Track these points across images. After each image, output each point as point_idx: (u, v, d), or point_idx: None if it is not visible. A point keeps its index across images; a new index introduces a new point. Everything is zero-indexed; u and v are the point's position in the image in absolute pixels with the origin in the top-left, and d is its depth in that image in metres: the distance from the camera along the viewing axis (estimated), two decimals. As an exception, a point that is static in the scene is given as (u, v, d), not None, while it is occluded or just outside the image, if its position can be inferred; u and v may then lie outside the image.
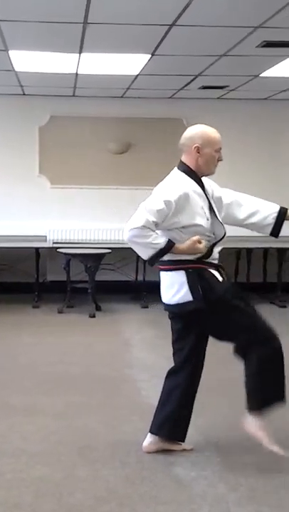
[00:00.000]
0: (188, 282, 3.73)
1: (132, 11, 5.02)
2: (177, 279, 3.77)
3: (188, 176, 3.85)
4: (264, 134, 9.43)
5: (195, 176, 3.86)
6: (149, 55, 6.50)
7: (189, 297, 3.74)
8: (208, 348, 4.00)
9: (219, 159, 3.90)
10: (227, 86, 8.21)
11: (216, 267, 3.85)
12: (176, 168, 3.92)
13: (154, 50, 6.28)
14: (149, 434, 4.03)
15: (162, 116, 9.34)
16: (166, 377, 4.01)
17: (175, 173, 3.90)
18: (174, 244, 3.73)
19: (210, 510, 3.33)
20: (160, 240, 3.71)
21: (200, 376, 3.99)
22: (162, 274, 3.88)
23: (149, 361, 6.04)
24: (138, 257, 9.12)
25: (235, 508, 3.35)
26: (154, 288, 8.95)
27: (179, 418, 3.98)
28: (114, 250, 8.45)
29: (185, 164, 3.88)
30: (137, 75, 7.53)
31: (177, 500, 3.44)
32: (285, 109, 9.37)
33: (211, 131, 3.88)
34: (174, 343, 3.99)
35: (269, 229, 4.02)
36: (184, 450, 4.01)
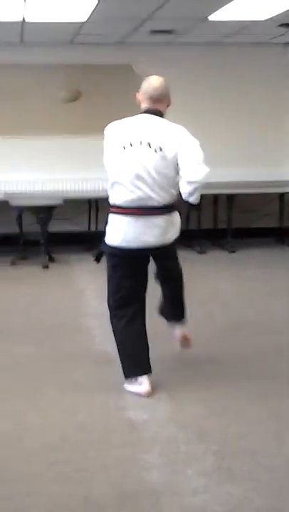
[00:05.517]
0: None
1: None
2: (177, 219, 4.17)
3: None
4: (213, 80, 9.35)
5: None
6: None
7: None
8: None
9: None
10: (176, 30, 8.09)
11: None
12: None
13: (100, -7, 6.14)
14: (146, 376, 4.06)
15: (112, 63, 9.17)
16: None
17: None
18: None
19: (160, 451, 3.39)
20: None
21: None
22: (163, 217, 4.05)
23: (103, 309, 5.99)
24: (90, 207, 9.16)
25: (185, 446, 3.42)
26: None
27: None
28: (67, 201, 8.37)
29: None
30: (85, 21, 7.35)
31: (129, 443, 3.49)
32: (233, 53, 9.27)
33: None
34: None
35: None
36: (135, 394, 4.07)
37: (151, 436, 3.56)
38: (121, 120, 4.11)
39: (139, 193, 3.95)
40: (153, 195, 3.95)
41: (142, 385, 4.05)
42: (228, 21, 7.43)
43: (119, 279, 4.10)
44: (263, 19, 7.33)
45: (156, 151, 3.93)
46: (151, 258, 4.19)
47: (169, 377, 4.35)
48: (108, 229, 4.11)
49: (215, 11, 6.91)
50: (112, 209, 4.08)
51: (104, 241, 4.16)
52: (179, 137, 3.98)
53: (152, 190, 3.95)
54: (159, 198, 3.97)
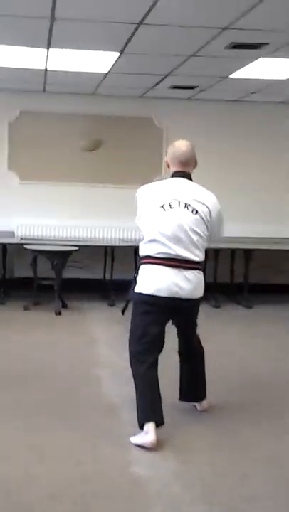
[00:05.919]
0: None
1: (99, 7, 5.01)
2: (202, 277, 4.31)
3: None
4: (234, 136, 9.47)
5: None
6: (118, 53, 6.48)
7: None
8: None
9: None
10: (197, 86, 8.23)
11: None
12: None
13: (123, 48, 6.27)
14: (154, 426, 4.04)
15: (133, 115, 9.32)
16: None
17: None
18: None
19: (163, 509, 3.33)
20: None
21: None
22: (194, 273, 4.20)
23: (113, 359, 6.01)
24: (106, 254, 9.18)
25: (188, 507, 3.36)
26: (122, 286, 9.02)
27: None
28: (82, 248, 8.42)
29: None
30: (107, 73, 7.51)
31: (132, 498, 3.44)
32: (254, 111, 9.40)
33: None
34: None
35: None
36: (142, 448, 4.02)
37: (155, 493, 3.50)
38: (153, 183, 4.39)
39: (176, 251, 4.12)
40: (188, 253, 4.14)
41: (148, 434, 4.02)
42: (250, 79, 7.55)
43: (147, 325, 4.20)
44: (284, 78, 7.45)
45: (192, 212, 4.14)
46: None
47: (177, 431, 4.29)
48: (140, 278, 4.23)
49: (237, 69, 7.03)
50: (146, 260, 4.22)
51: (132, 290, 4.28)
52: (210, 205, 4.23)
53: (187, 249, 4.13)
54: (193, 255, 4.16)
